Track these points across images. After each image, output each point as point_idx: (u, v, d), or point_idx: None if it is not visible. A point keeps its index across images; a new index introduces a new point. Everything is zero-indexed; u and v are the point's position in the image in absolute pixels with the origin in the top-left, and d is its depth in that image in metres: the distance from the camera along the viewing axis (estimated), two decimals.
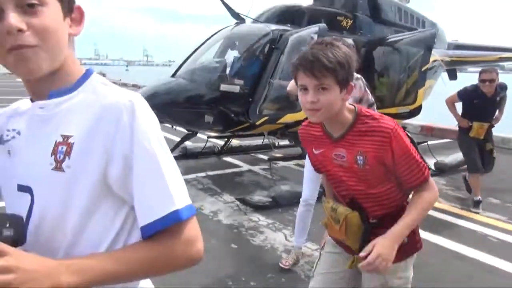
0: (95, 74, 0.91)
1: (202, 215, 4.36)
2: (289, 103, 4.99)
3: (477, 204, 4.63)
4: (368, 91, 3.06)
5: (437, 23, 7.58)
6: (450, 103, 4.85)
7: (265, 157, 6.83)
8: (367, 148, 1.45)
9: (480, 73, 4.58)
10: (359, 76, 3.03)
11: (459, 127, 4.86)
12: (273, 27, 5.28)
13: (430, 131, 9.38)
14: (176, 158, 5.02)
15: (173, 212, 0.80)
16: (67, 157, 0.81)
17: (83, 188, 0.81)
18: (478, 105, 4.58)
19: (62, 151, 0.81)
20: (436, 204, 4.77)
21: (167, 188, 0.81)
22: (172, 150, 5.53)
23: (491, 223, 4.28)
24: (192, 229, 0.84)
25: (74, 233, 0.83)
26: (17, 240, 0.76)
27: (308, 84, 1.39)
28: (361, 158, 1.46)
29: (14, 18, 0.73)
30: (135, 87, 26.46)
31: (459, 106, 4.91)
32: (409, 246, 1.57)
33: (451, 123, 10.15)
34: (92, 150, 0.81)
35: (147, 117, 0.83)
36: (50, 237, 0.84)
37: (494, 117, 4.76)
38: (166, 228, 0.80)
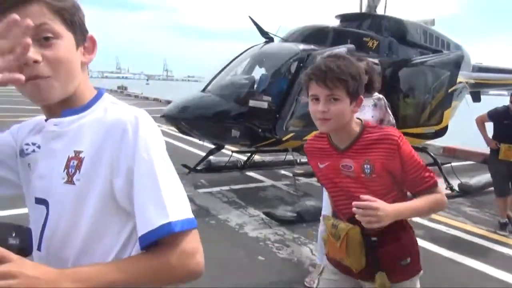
0: (106, 94, 0.99)
1: (229, 228, 4.45)
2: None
3: (503, 226, 4.60)
4: (390, 112, 3.08)
5: (462, 45, 7.65)
6: (480, 123, 4.84)
7: (288, 173, 6.92)
8: (374, 157, 1.49)
9: (511, 95, 4.57)
10: (381, 96, 3.09)
11: (490, 149, 4.80)
12: (301, 46, 5.43)
13: (452, 153, 9.32)
14: (200, 171, 5.22)
15: (166, 224, 0.82)
16: (77, 171, 0.86)
17: (91, 200, 0.86)
18: (508, 126, 4.53)
19: (73, 165, 0.87)
20: (462, 225, 4.79)
21: (162, 200, 0.84)
22: (198, 164, 5.73)
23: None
24: (191, 242, 0.85)
25: (82, 244, 0.88)
26: (23, 249, 0.83)
27: (320, 94, 1.44)
28: (368, 166, 1.49)
29: (31, 51, 0.78)
30: (156, 100, 27.08)
31: (489, 127, 4.87)
32: (412, 266, 1.61)
33: (474, 145, 10.14)
34: (100, 163, 0.86)
35: (150, 131, 0.88)
36: (60, 248, 0.89)
37: None
38: (161, 239, 0.82)
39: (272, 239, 4.17)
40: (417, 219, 4.93)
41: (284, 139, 5.15)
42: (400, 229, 1.60)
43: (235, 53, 6.01)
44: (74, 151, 0.88)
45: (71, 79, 0.89)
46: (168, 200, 0.85)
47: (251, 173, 7.02)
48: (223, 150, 6.82)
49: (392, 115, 3.10)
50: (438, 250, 4.06)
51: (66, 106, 0.92)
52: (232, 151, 6.92)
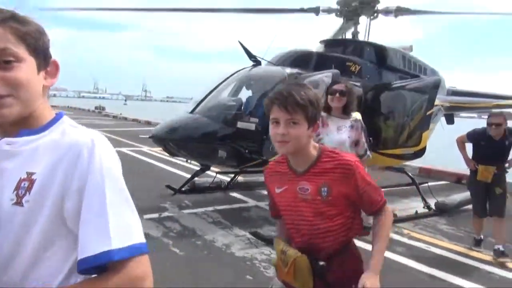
0: (66, 117, 0.99)
1: (215, 248, 4.51)
2: None
3: (478, 242, 4.78)
4: (364, 136, 3.21)
5: (437, 70, 8.05)
6: (460, 143, 4.95)
7: None
8: (331, 180, 1.57)
9: (489, 116, 4.72)
10: (358, 118, 3.24)
11: (470, 169, 4.87)
12: (288, 70, 5.65)
13: (428, 173, 9.65)
14: (184, 192, 5.32)
15: (105, 251, 0.82)
16: (27, 193, 0.85)
17: (39, 222, 0.85)
18: (485, 147, 4.64)
19: (24, 186, 0.86)
20: (440, 243, 4.99)
21: (107, 226, 0.83)
22: (184, 184, 5.83)
23: (492, 260, 4.45)
24: (138, 268, 0.85)
25: (26, 268, 0.86)
26: None
27: (281, 117, 1.52)
28: (325, 189, 1.57)
29: None
30: (135, 121, 26.97)
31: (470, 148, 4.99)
32: None
33: (448, 166, 10.52)
34: (52, 185, 0.85)
35: (106, 154, 0.90)
36: (2, 271, 0.86)
37: (507, 161, 4.73)
38: (110, 264, 0.83)
39: (259, 258, 4.25)
40: (397, 237, 5.12)
41: (270, 160, 5.28)
42: (348, 255, 1.69)
43: (220, 75, 6.18)
44: (27, 172, 0.87)
45: (30, 100, 0.90)
46: (114, 226, 0.84)
47: (234, 194, 7.09)
48: (207, 171, 6.89)
49: (365, 138, 3.24)
50: (418, 266, 4.23)
51: (23, 127, 0.92)
52: (216, 172, 7.00)
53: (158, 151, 11.99)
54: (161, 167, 9.57)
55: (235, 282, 3.68)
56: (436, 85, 6.30)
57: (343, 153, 1.65)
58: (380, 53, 6.94)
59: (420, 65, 7.61)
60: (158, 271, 3.35)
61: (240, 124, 5.22)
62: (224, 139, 5.27)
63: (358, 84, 6.20)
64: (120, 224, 0.85)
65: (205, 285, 3.62)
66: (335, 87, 3.23)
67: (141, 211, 5.62)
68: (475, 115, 11.30)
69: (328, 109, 3.30)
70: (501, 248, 4.40)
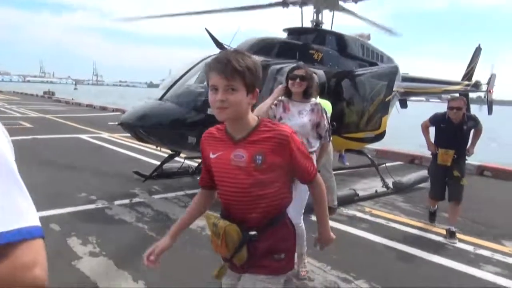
0: None
1: (191, 230, 4.63)
2: None
3: (432, 215, 5.18)
4: (325, 117, 3.38)
5: (393, 58, 8.50)
6: (424, 127, 5.05)
7: None
8: (267, 149, 1.58)
9: (449, 101, 4.87)
10: (318, 101, 3.43)
11: (431, 153, 5.02)
12: (254, 56, 5.77)
13: (384, 154, 10.24)
14: (153, 178, 5.48)
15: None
16: None
17: None
18: (445, 129, 4.78)
19: None
20: (398, 218, 5.42)
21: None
22: (154, 171, 5.94)
23: (444, 233, 4.92)
24: (26, 254, 0.75)
25: None
26: None
27: (219, 84, 1.50)
28: (260, 157, 1.58)
29: None
30: (90, 106, 26.04)
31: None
32: (285, 263, 1.71)
33: (402, 148, 11.21)
34: None
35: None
36: None
37: (466, 148, 4.85)
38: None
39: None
40: (360, 215, 5.51)
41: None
42: (280, 224, 1.72)
43: (186, 60, 6.22)
44: None
45: None
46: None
47: None
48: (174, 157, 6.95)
49: (327, 120, 3.39)
50: (379, 240, 4.61)
51: None
52: (184, 158, 7.08)
53: (119, 137, 11.81)
54: (124, 153, 9.47)
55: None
56: (395, 72, 6.71)
57: (281, 125, 1.67)
58: (340, 42, 7.23)
59: (378, 53, 8.01)
60: (140, 256, 3.51)
61: (209, 111, 5.31)
62: (194, 125, 5.35)
63: (321, 71, 6.49)
64: (5, 206, 0.75)
65: (187, 266, 3.77)
66: (296, 72, 3.35)
67: (111, 197, 5.78)
68: (423, 98, 12.00)
69: (289, 94, 3.44)
70: (453, 229, 4.72)
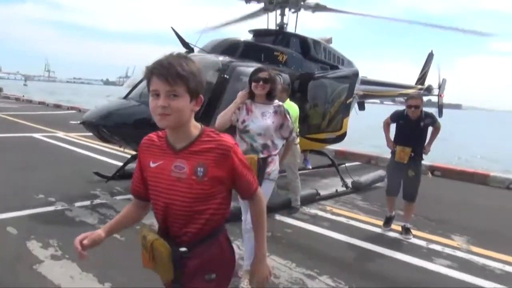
0: None
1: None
2: (232, 129, 5.57)
3: (388, 220, 5.18)
4: (289, 118, 3.44)
5: (352, 61, 8.81)
6: (385, 124, 5.19)
7: None
8: (209, 160, 1.50)
9: (407, 99, 4.98)
10: (281, 103, 3.45)
11: (391, 150, 5.11)
12: (221, 58, 5.83)
13: (343, 155, 10.60)
14: (115, 179, 5.44)
15: None
16: None
17: None
18: (403, 126, 4.91)
19: None
20: (357, 216, 5.65)
21: None
22: (117, 171, 5.87)
23: (400, 229, 5.20)
24: None
25: None
26: None
27: (161, 89, 1.42)
28: (202, 169, 1.49)
29: None
30: (42, 104, 24.92)
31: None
32: (216, 284, 1.58)
33: (360, 149, 11.64)
34: None
35: None
36: None
37: (423, 147, 4.95)
38: None
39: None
40: (322, 213, 5.70)
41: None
42: (215, 241, 1.59)
43: (149, 59, 6.13)
44: None
45: None
46: None
47: None
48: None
49: (291, 121, 3.43)
50: (340, 237, 4.80)
51: None
52: None
53: (75, 136, 11.44)
54: (82, 153, 9.19)
55: None
56: (355, 76, 6.99)
57: (223, 135, 1.56)
58: (304, 44, 7.42)
59: (339, 56, 8.28)
60: (105, 258, 3.53)
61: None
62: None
63: (286, 73, 6.63)
64: None
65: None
66: (259, 75, 3.33)
67: (71, 199, 5.67)
68: (377, 100, 12.56)
69: (252, 96, 3.41)
70: (408, 225, 4.97)
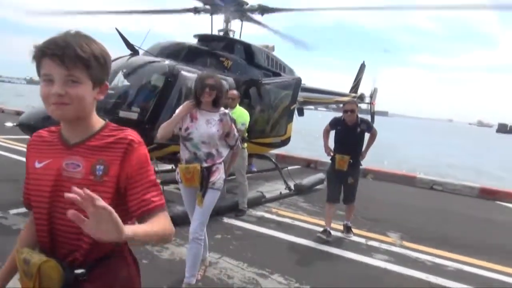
0: None
1: None
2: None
3: (324, 232, 4.98)
4: (234, 126, 3.33)
5: (293, 69, 9.18)
6: (325, 131, 5.33)
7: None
8: (110, 157, 1.23)
9: (344, 104, 5.25)
10: (227, 111, 3.33)
11: (330, 159, 5.25)
12: (167, 61, 5.79)
13: (283, 159, 10.94)
14: None
15: None
16: None
17: None
18: (341, 132, 5.10)
19: None
20: (301, 217, 5.91)
21: None
22: None
23: (340, 228, 5.53)
24: None
25: None
26: None
27: (55, 74, 1.16)
28: (101, 168, 1.22)
29: None
30: None
31: None
32: None
33: (299, 153, 12.07)
34: None
35: None
36: None
37: (361, 153, 5.17)
38: None
39: (150, 244, 4.40)
40: (268, 215, 5.88)
41: (149, 148, 5.42)
42: (118, 258, 1.31)
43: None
44: None
45: None
46: None
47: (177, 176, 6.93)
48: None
49: (236, 129, 3.38)
50: (287, 237, 5.01)
51: None
52: None
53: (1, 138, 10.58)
54: (10, 157, 8.54)
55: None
56: (299, 83, 7.30)
57: (129, 130, 1.30)
58: (248, 51, 7.60)
59: (280, 63, 8.58)
60: None
61: (122, 114, 5.19)
62: None
63: (231, 78, 6.75)
64: None
65: None
66: (206, 81, 3.21)
67: (4, 205, 5.34)
68: (312, 107, 13.12)
69: (198, 103, 3.29)
70: (349, 224, 5.31)
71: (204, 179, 3.23)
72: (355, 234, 5.32)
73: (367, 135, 5.30)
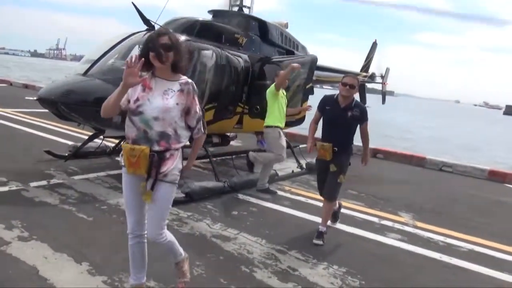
0: None
1: (123, 211, 4.58)
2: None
3: (319, 235, 4.28)
4: (197, 101, 2.63)
5: (306, 47, 9.08)
6: (312, 122, 4.60)
7: None
8: None
9: (343, 77, 4.32)
10: (189, 80, 2.61)
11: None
12: (183, 37, 5.75)
13: (294, 137, 10.98)
14: (65, 157, 5.39)
15: None
16: None
17: None
18: (329, 113, 4.33)
19: None
20: (314, 196, 5.99)
21: None
22: (80, 148, 5.75)
23: (354, 207, 5.63)
24: None
25: None
26: None
27: None
28: None
29: None
30: None
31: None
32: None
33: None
34: None
35: None
36: None
37: (350, 142, 4.38)
38: None
39: (169, 218, 4.50)
40: (281, 193, 5.95)
41: None
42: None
43: (108, 36, 5.95)
44: None
45: None
46: None
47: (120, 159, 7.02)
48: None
49: (199, 105, 2.64)
50: (302, 215, 5.13)
51: None
52: (104, 137, 6.79)
53: (13, 112, 10.66)
54: (25, 131, 8.64)
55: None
56: (315, 61, 7.23)
57: None
58: (263, 28, 7.52)
59: (294, 41, 8.49)
60: (76, 238, 3.50)
61: None
62: None
63: (246, 56, 6.71)
64: None
65: (126, 245, 3.76)
66: (159, 40, 2.46)
67: (24, 178, 5.49)
68: (318, 85, 13.04)
69: (149, 68, 2.56)
70: (323, 229, 4.35)
71: (154, 167, 2.52)
72: (367, 213, 5.42)
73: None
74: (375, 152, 10.10)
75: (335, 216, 4.86)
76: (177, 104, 2.52)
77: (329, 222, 4.65)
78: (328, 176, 4.35)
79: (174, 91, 2.52)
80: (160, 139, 2.50)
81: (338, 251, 4.15)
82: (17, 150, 6.87)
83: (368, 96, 13.08)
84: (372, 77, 13.12)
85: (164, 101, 2.50)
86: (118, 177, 6.17)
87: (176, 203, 4.94)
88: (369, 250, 4.24)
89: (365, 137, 4.52)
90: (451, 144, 19.97)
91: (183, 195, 5.13)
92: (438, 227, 5.11)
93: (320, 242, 4.22)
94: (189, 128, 2.66)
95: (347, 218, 5.16)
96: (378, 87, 13.93)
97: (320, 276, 3.54)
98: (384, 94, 13.03)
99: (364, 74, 12.79)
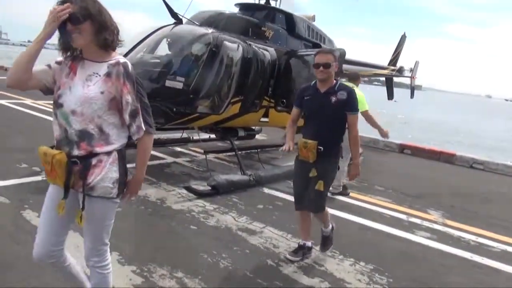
0: None
1: (151, 203, 4.66)
2: (220, 103, 5.65)
3: (299, 249, 3.65)
4: (131, 89, 1.92)
5: (333, 40, 8.94)
6: (290, 120, 3.57)
7: (184, 150, 7.34)
8: None
9: (315, 55, 3.35)
10: (124, 60, 1.95)
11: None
12: (211, 31, 5.76)
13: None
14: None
15: None
16: None
17: None
18: (308, 103, 3.37)
19: None
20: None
21: None
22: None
23: (381, 204, 5.53)
24: None
25: None
26: None
27: None
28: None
29: None
30: (1, 68, 23.41)
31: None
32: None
33: None
34: None
35: None
36: None
37: (339, 139, 3.41)
38: None
39: (196, 210, 4.56)
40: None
41: (192, 117, 5.52)
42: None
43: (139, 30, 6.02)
44: None
45: None
46: None
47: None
48: None
49: (134, 94, 1.93)
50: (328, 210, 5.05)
51: None
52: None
53: (44, 104, 10.97)
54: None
55: (183, 232, 3.96)
56: (343, 55, 7.13)
57: None
58: (289, 21, 7.44)
59: (321, 34, 8.37)
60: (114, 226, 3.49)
61: (168, 83, 5.25)
62: (152, 97, 5.24)
63: (272, 49, 6.66)
64: None
65: (154, 236, 3.83)
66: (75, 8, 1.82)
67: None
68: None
69: (70, 48, 1.95)
70: (309, 244, 3.69)
71: (80, 178, 1.93)
72: (395, 210, 5.32)
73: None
74: (403, 148, 9.91)
75: (325, 242, 3.74)
76: (101, 92, 1.88)
77: (317, 251, 3.77)
78: (309, 186, 3.40)
79: (99, 75, 1.90)
80: (80, 140, 1.90)
81: (364, 248, 4.09)
82: (48, 140, 7.07)
83: (395, 90, 12.83)
84: (400, 71, 12.82)
85: (84, 89, 1.89)
86: (146, 169, 6.37)
87: (203, 195, 5.02)
88: (397, 248, 4.17)
89: (353, 134, 3.39)
90: (481, 141, 19.38)
91: (209, 188, 5.17)
92: (468, 226, 4.98)
93: (296, 259, 3.55)
94: (122, 124, 2.00)
95: (374, 215, 5.08)
96: (405, 80, 13.62)
97: (347, 272, 3.50)
98: (413, 88, 12.71)
99: (392, 67, 12.51)
